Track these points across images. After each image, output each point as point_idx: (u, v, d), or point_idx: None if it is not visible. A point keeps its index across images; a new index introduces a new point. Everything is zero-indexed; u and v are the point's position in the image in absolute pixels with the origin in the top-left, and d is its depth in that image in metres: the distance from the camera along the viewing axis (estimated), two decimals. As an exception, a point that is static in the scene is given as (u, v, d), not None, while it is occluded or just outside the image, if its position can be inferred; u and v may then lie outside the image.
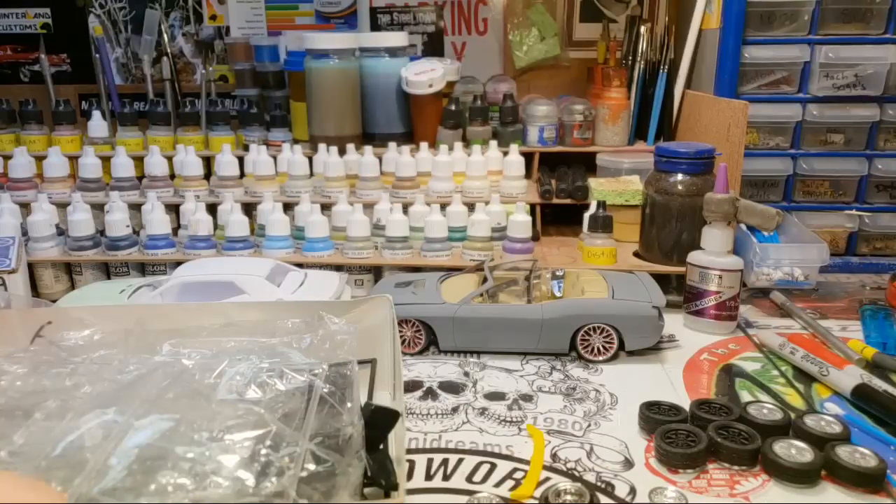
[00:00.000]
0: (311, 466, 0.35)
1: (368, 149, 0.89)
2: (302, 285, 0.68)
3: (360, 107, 0.96)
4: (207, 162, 0.96)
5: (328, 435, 0.38)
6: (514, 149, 0.90)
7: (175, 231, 0.86)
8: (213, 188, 0.91)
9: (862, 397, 0.55)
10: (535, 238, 0.84)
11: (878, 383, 0.57)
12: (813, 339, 0.69)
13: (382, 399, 0.49)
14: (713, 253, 0.69)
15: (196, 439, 0.36)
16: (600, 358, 0.63)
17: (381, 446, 0.42)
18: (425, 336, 0.65)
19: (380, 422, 0.41)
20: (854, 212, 0.94)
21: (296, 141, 0.99)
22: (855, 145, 0.92)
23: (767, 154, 0.93)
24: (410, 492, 0.45)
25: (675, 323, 0.71)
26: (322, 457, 0.36)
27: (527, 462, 0.48)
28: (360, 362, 0.47)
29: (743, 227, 0.80)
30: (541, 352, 0.65)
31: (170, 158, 0.92)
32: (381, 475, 0.39)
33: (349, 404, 0.41)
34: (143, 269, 0.82)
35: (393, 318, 0.52)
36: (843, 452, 0.47)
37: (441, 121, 0.96)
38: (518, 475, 0.47)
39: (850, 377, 0.57)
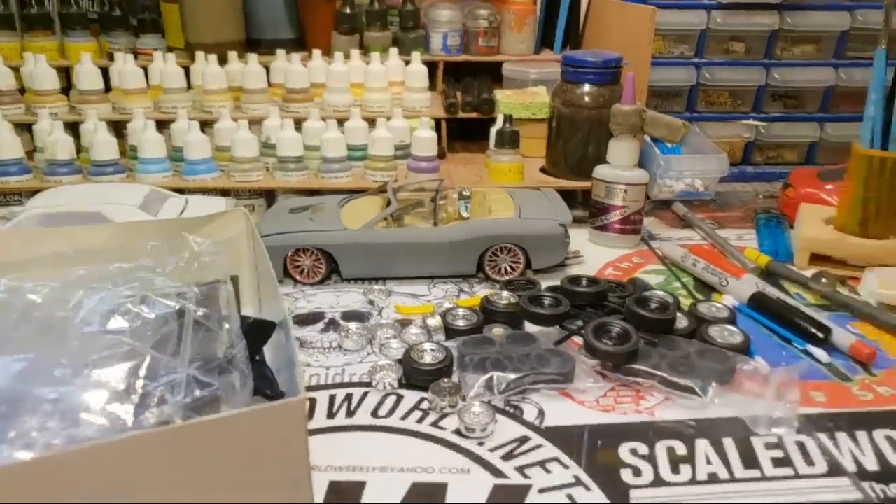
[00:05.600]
0: (197, 392, 0.33)
1: (253, 57, 0.81)
2: (183, 213, 0.62)
3: (241, 8, 0.86)
4: (66, 74, 0.85)
5: (208, 359, 0.36)
6: (417, 57, 0.84)
7: (30, 155, 0.76)
8: (73, 104, 0.80)
9: (757, 305, 0.57)
10: (440, 155, 0.80)
11: (772, 291, 0.58)
12: (712, 250, 0.70)
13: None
14: (619, 167, 0.68)
15: (59, 377, 0.32)
16: (506, 278, 0.62)
17: (257, 357, 0.41)
18: (325, 264, 0.61)
19: (256, 335, 0.41)
20: (751, 121, 0.96)
21: (169, 49, 0.88)
22: (755, 54, 0.93)
23: (673, 63, 0.92)
24: (312, 431, 0.42)
25: (580, 238, 0.70)
26: (205, 381, 0.33)
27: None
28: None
29: (647, 138, 0.79)
30: (448, 275, 0.62)
31: (17, 69, 0.80)
32: (264, 386, 0.38)
33: (227, 325, 0.39)
34: (-6, 199, 0.72)
35: (252, 231, 0.49)
36: (713, 331, 0.50)
37: (335, 25, 0.88)
38: (425, 405, 0.45)
39: (746, 286, 0.59)
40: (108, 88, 0.82)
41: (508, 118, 0.74)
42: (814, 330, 0.52)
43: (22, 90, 0.80)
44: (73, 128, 0.76)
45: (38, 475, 0.25)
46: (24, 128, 0.77)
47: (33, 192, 0.65)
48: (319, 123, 0.74)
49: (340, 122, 0.75)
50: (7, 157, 0.70)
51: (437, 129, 0.80)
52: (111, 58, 0.85)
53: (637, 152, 0.68)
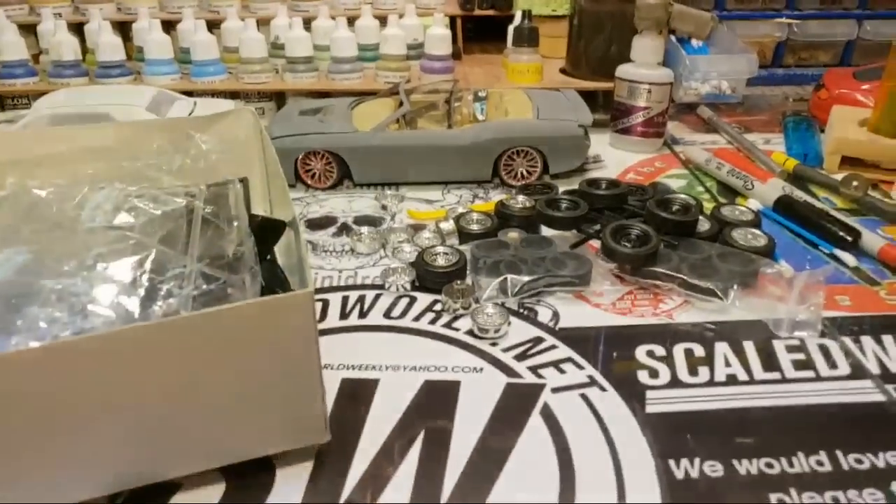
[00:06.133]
0: (205, 286, 0.32)
1: (259, -47, 0.77)
2: (192, 115, 0.60)
3: None
4: (68, -27, 0.82)
5: (216, 256, 0.35)
6: (429, -49, 0.79)
7: (36, 58, 0.74)
8: (77, 5, 0.77)
9: (783, 209, 0.55)
10: (455, 56, 0.77)
11: (799, 194, 0.56)
12: (737, 154, 0.67)
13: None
14: (643, 65, 0.64)
15: (66, 270, 0.32)
16: (523, 182, 0.60)
17: (268, 257, 0.41)
18: (337, 169, 0.59)
19: (266, 234, 0.40)
20: (784, 19, 0.90)
21: (172, -55, 0.84)
22: (791, -55, 0.87)
23: (702, -45, 0.86)
24: (324, 332, 0.42)
25: (601, 143, 0.68)
26: (213, 275, 0.33)
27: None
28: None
29: (673, 39, 0.75)
30: (462, 180, 0.61)
31: (18, -32, 0.77)
32: (275, 284, 0.38)
33: (235, 223, 0.38)
34: (0, 102, 0.71)
35: (260, 130, 0.47)
36: (736, 234, 0.48)
37: (343, -82, 0.83)
38: (437, 307, 0.44)
39: (772, 189, 0.57)
40: (110, -12, 0.79)
41: (527, 14, 0.71)
42: (842, 233, 0.50)
43: (23, -10, 0.78)
44: (78, 30, 0.74)
45: (48, 362, 0.25)
46: (29, 30, 0.75)
47: (39, 95, 0.64)
48: (329, 22, 0.71)
49: (351, 20, 0.72)
50: (12, 59, 0.69)
51: (452, 28, 0.76)
52: (112, -45, 0.81)
53: (662, 50, 0.65)
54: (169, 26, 0.73)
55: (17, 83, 0.69)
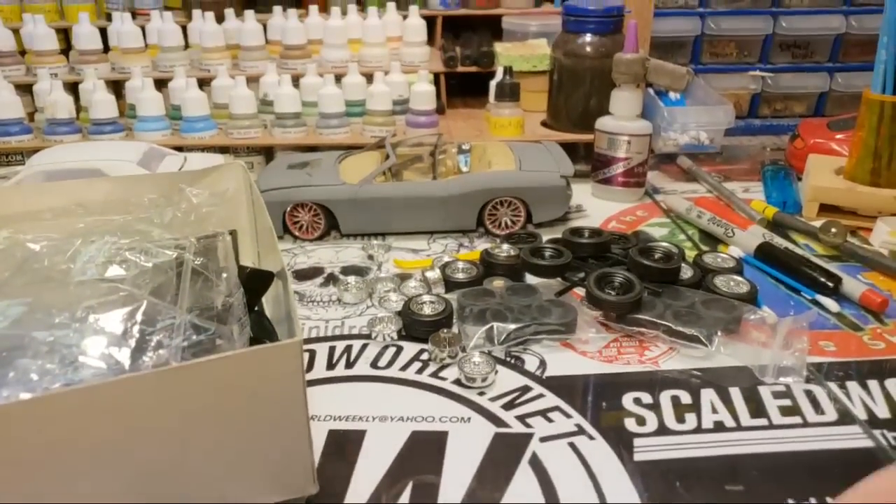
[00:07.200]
0: (194, 337, 0.33)
1: (250, 14, 0.79)
2: (182, 170, 0.61)
3: (237, -35, 0.85)
4: (65, 35, 0.84)
5: (205, 307, 0.36)
6: (415, 11, 0.82)
7: (31, 116, 0.75)
8: (73, 64, 0.79)
9: (765, 255, 0.56)
10: (439, 111, 0.79)
11: (779, 241, 0.57)
12: (718, 202, 0.69)
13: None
14: (622, 118, 0.66)
15: (57, 322, 0.32)
16: (507, 232, 0.61)
17: (256, 309, 0.41)
18: (324, 220, 0.60)
19: (254, 285, 0.41)
20: (758, 73, 0.93)
21: (166, 7, 0.87)
22: (761, 2, 0.91)
23: (676, 13, 0.90)
24: (311, 382, 0.42)
25: (583, 193, 0.69)
26: (203, 326, 0.33)
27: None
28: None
29: (651, 91, 0.78)
30: (447, 229, 0.62)
31: (16, 31, 0.79)
32: (263, 335, 0.38)
33: (224, 275, 0.38)
34: (-5, 160, 0.72)
35: (250, 184, 0.48)
36: (719, 281, 0.49)
37: (331, -19, 0.86)
38: (424, 356, 0.44)
39: (753, 237, 0.58)
40: (106, 49, 0.81)
41: (508, 70, 0.73)
42: (823, 279, 0.51)
43: (22, 52, 0.80)
44: (72, 89, 0.75)
45: (38, 414, 0.25)
46: (25, 89, 0.76)
47: (34, 152, 0.65)
48: (317, 79, 0.73)
49: (338, 77, 0.74)
50: (8, 118, 0.70)
51: (436, 84, 0.79)
52: (109, 18, 0.84)
53: (640, 102, 0.67)
54: (161, 84, 0.74)
55: (11, 140, 0.70)
